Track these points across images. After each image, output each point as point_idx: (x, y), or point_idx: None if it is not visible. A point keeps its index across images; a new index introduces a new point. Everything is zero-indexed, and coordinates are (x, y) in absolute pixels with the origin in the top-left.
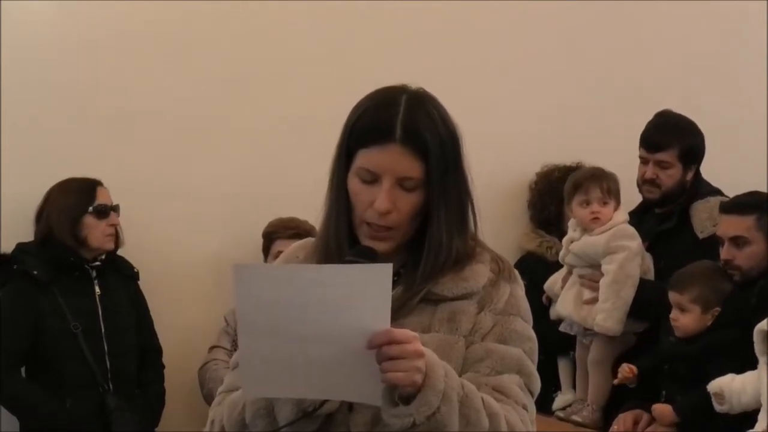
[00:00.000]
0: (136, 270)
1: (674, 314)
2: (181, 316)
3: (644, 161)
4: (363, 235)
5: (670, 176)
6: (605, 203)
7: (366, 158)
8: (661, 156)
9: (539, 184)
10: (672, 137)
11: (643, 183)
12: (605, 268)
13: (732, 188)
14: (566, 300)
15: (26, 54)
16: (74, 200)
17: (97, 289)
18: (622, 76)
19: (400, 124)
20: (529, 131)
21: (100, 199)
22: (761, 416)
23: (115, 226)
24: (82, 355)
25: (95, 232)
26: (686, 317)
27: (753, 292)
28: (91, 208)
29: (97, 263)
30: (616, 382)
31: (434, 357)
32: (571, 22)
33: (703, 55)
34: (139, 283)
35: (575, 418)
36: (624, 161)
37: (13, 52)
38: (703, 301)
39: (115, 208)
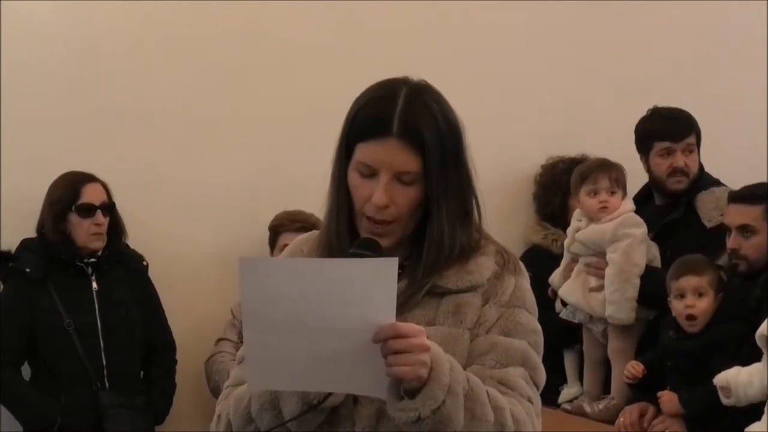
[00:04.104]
0: (145, 263)
1: (691, 300)
2: (187, 309)
3: (670, 152)
4: (363, 229)
5: (695, 161)
6: (613, 193)
7: (364, 152)
8: (689, 140)
9: (544, 176)
10: (689, 122)
11: (671, 174)
12: (610, 257)
13: (732, 181)
14: (573, 288)
15: (26, 53)
16: (59, 196)
17: (94, 285)
18: (627, 69)
19: (397, 118)
20: (533, 124)
21: (86, 198)
22: (764, 416)
23: (101, 225)
24: (75, 352)
25: (79, 230)
26: (703, 301)
27: (758, 284)
28: (73, 207)
29: (93, 259)
30: (625, 380)
31: (439, 351)
32: (575, 16)
33: (704, 47)
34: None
35: (586, 408)
36: (629, 153)
37: (13, 51)
38: (717, 284)
39: (106, 207)
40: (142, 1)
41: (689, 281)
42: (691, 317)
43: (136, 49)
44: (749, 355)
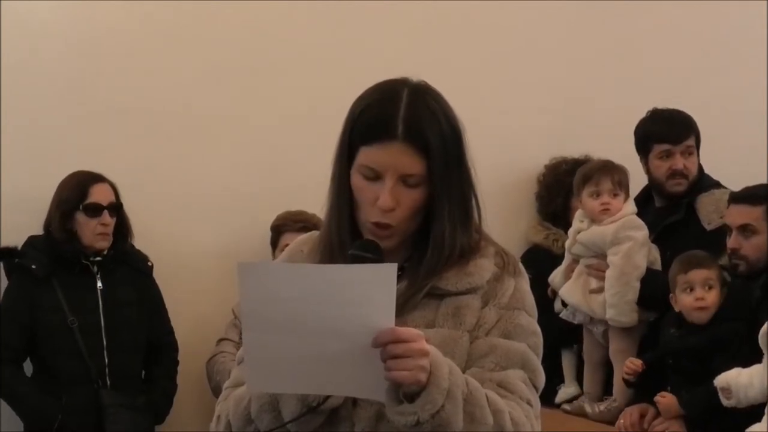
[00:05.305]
0: (150, 264)
1: (700, 292)
2: (188, 310)
3: (669, 155)
4: (366, 231)
5: (694, 163)
6: (615, 195)
7: (368, 155)
8: (688, 142)
9: (547, 176)
10: (688, 124)
11: (670, 177)
12: (611, 260)
13: (732, 181)
14: (573, 289)
15: (26, 53)
16: (67, 195)
17: (99, 284)
18: (627, 69)
19: (401, 120)
20: (534, 124)
21: (94, 197)
22: (765, 418)
23: (107, 225)
24: (77, 351)
25: (85, 230)
26: (712, 294)
27: (758, 284)
28: (81, 206)
29: (98, 258)
30: (624, 375)
31: (439, 355)
32: (575, 16)
33: (704, 47)
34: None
35: (587, 409)
36: (630, 154)
37: (13, 51)
38: (722, 279)
39: (113, 207)
40: (142, 1)
41: (699, 274)
42: (701, 309)
43: (136, 49)
44: (749, 356)
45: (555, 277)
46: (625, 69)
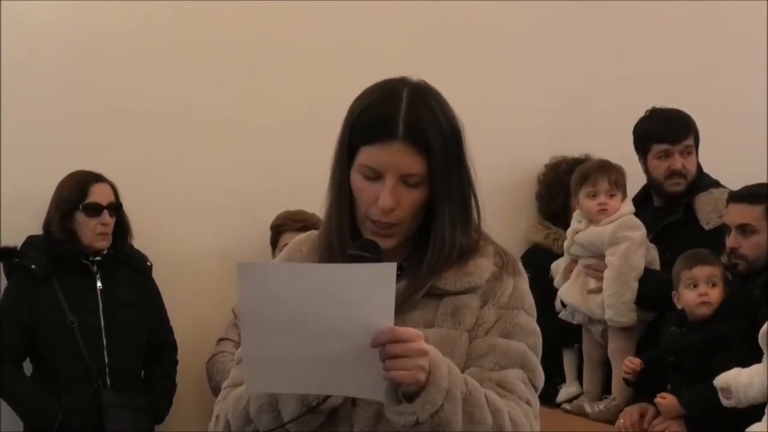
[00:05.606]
0: (149, 264)
1: (704, 288)
2: (188, 309)
3: (668, 154)
4: (367, 231)
5: (693, 163)
6: (612, 195)
7: (368, 155)
8: (687, 142)
9: (547, 176)
10: (687, 124)
11: (669, 176)
12: (609, 260)
13: (731, 181)
14: (572, 290)
15: (26, 53)
16: (67, 195)
17: (98, 284)
18: (627, 69)
19: (402, 120)
20: (537, 124)
21: (94, 197)
22: (765, 417)
23: (107, 225)
24: (77, 350)
25: (85, 229)
26: (716, 291)
27: (757, 283)
28: (81, 206)
29: (98, 258)
30: (623, 375)
31: (438, 355)
32: (575, 16)
33: (704, 47)
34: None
35: (587, 408)
36: (630, 153)
37: (13, 51)
38: (725, 277)
39: (113, 207)
40: (142, 1)
41: (703, 270)
42: (705, 305)
43: (136, 49)
44: (750, 355)
45: (556, 275)
46: (625, 69)
